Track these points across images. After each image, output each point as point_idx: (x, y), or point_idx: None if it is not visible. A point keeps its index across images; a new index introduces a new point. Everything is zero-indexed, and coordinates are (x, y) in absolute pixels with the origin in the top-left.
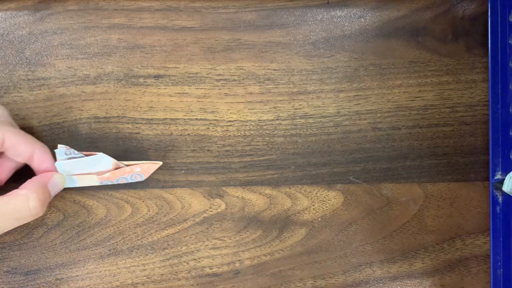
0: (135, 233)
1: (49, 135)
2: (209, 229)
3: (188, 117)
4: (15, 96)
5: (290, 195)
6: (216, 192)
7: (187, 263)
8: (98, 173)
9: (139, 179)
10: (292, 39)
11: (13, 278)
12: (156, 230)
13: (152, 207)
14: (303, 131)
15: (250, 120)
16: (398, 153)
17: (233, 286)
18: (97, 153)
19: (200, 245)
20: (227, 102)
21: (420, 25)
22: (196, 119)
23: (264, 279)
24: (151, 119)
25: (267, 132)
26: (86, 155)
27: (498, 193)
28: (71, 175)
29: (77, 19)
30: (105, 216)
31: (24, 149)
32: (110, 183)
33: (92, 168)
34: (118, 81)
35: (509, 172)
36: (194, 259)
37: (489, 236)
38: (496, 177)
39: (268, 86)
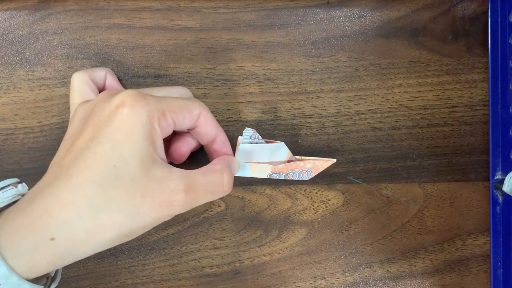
0: None
1: (49, 135)
2: (209, 229)
3: None
4: (15, 96)
5: (290, 195)
6: None
7: (187, 263)
8: (272, 163)
9: (305, 177)
10: (292, 39)
11: None
12: (156, 230)
13: None
14: (303, 131)
15: (250, 120)
16: (398, 153)
17: (233, 286)
18: (278, 141)
19: (200, 245)
20: (227, 102)
21: (420, 25)
22: None
23: (264, 279)
24: None
25: (267, 132)
26: (267, 142)
27: (498, 193)
28: (246, 162)
29: (77, 19)
30: None
31: (212, 128)
32: (277, 177)
33: (268, 157)
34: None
35: (509, 172)
36: (194, 259)
37: (489, 236)
38: (496, 177)
39: (268, 86)
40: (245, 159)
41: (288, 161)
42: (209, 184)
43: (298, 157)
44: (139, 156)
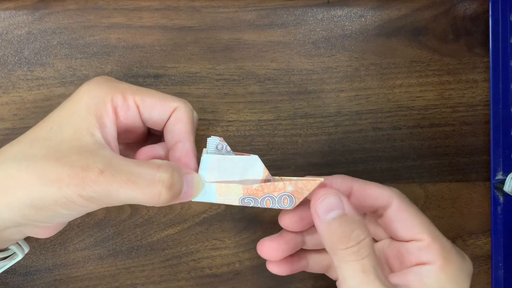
0: (134, 233)
1: None
2: (209, 230)
3: None
4: (14, 96)
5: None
6: None
7: (187, 264)
8: (244, 182)
9: (287, 205)
10: (292, 38)
11: (11, 278)
12: (156, 231)
13: (152, 208)
14: (304, 131)
15: (250, 120)
16: (398, 153)
17: (233, 287)
18: (250, 154)
19: (200, 246)
20: (227, 102)
21: (421, 24)
22: None
23: (264, 280)
24: None
25: (267, 132)
26: (236, 155)
27: (499, 193)
28: (212, 182)
29: (76, 18)
30: (104, 217)
31: (180, 129)
32: (252, 204)
33: (239, 173)
34: None
35: (510, 172)
36: (194, 260)
37: (490, 236)
38: (497, 177)
39: (268, 86)
40: (210, 177)
41: (265, 181)
42: (136, 175)
43: (277, 177)
44: (75, 125)
